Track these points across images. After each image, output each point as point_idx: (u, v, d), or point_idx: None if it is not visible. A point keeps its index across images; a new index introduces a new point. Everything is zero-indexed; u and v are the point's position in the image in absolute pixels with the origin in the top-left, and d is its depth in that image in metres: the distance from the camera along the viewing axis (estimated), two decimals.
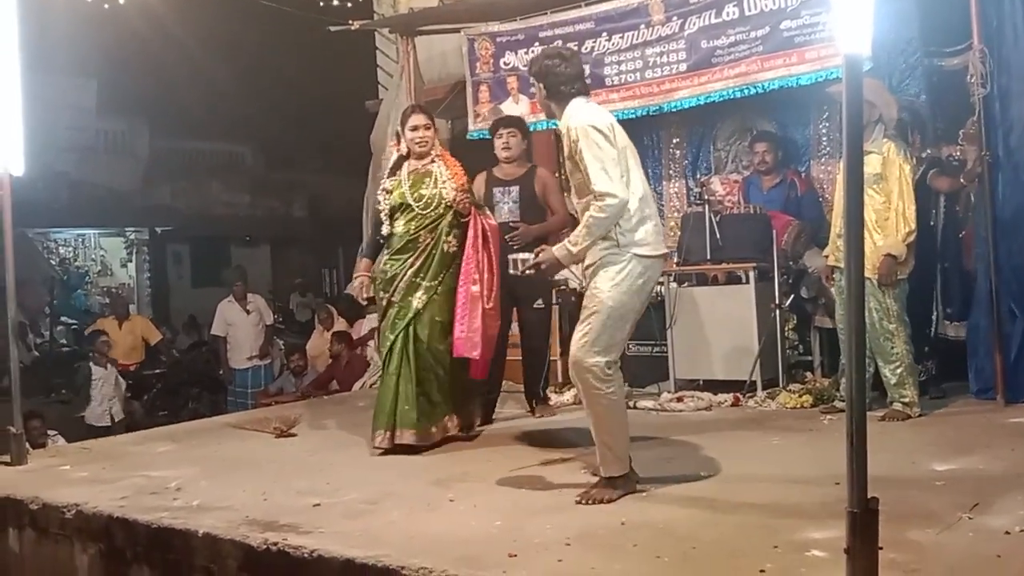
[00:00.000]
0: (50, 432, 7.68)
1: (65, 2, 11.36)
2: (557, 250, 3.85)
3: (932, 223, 5.79)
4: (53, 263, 19.97)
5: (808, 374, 6.16)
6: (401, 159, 5.19)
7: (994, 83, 5.27)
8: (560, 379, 6.45)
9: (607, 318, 3.70)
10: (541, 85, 4.01)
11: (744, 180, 6.99)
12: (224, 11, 14.59)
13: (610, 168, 3.69)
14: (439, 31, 8.02)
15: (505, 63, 7.37)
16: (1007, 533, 3.08)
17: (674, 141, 7.71)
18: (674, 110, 6.77)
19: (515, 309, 5.77)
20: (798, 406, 5.62)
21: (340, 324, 9.70)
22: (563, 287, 6.39)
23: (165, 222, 20.48)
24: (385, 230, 5.09)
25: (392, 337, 4.96)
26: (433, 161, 5.11)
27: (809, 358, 6.27)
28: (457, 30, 7.67)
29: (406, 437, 4.85)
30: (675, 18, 6.52)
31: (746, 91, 6.30)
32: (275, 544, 3.33)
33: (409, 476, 4.36)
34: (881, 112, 5.09)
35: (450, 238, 5.01)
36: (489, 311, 4.91)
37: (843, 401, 4.56)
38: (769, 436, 4.94)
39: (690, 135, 7.63)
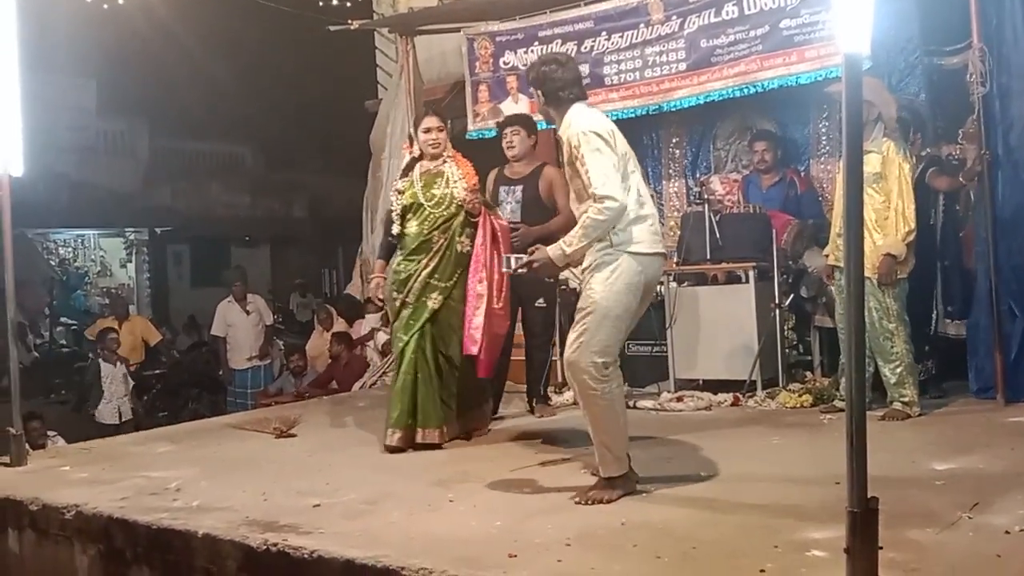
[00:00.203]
0: (50, 433, 7.66)
1: (65, 2, 11.36)
2: (551, 250, 3.84)
3: (932, 222, 5.79)
4: (53, 264, 19.98)
5: (808, 374, 6.16)
6: (414, 161, 5.28)
7: (994, 82, 5.27)
8: (560, 379, 6.43)
9: (602, 318, 3.69)
10: (539, 92, 4.02)
11: (744, 179, 6.99)
12: (224, 11, 14.58)
13: (611, 173, 3.69)
14: (438, 31, 8.02)
15: (504, 62, 7.37)
16: (1007, 532, 3.08)
17: (674, 140, 7.71)
18: (674, 109, 6.78)
19: (518, 308, 5.77)
20: (798, 406, 5.62)
21: (340, 324, 9.69)
22: (564, 287, 6.38)
23: (165, 222, 20.47)
24: (396, 230, 5.15)
25: (406, 338, 5.01)
26: (445, 162, 5.19)
27: (809, 358, 6.27)
28: (456, 30, 7.67)
29: (426, 437, 4.93)
30: (674, 17, 6.53)
31: (746, 90, 6.31)
32: (275, 545, 3.32)
33: (409, 476, 4.36)
34: (880, 111, 5.09)
35: (463, 238, 5.07)
36: (498, 311, 4.95)
37: (843, 400, 4.55)
38: (769, 436, 4.94)
39: (690, 134, 7.64)
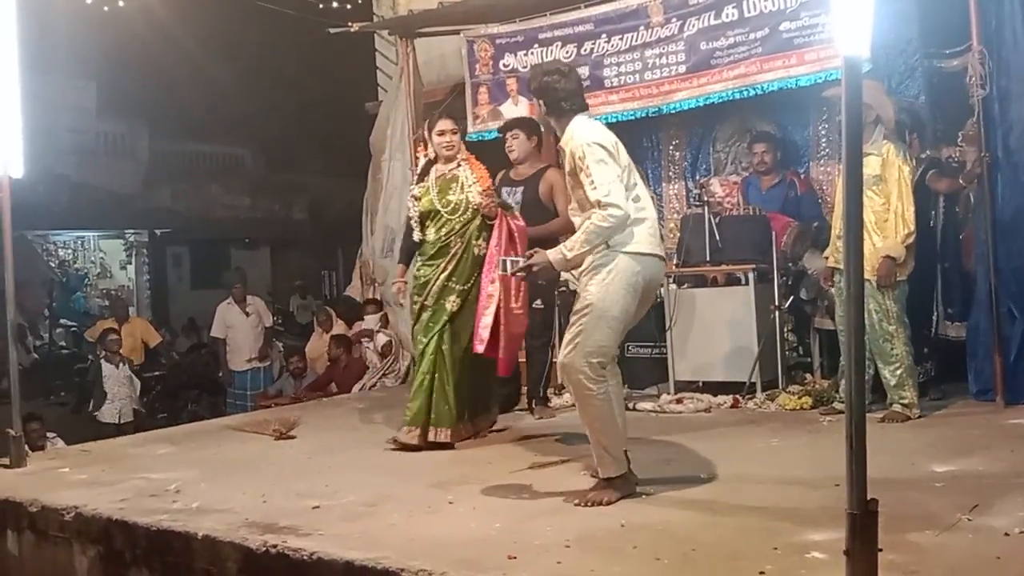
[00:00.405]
0: (49, 434, 7.67)
1: (65, 4, 11.37)
2: (552, 254, 3.83)
3: (932, 224, 5.79)
4: (52, 265, 19.98)
5: (807, 375, 6.15)
6: (429, 164, 5.34)
7: (993, 84, 5.27)
8: (559, 380, 6.44)
9: (598, 319, 3.69)
10: (541, 102, 4.03)
11: (743, 181, 6.99)
12: (224, 13, 14.60)
13: (615, 183, 3.70)
14: (438, 33, 8.02)
15: (504, 65, 7.37)
16: (1006, 535, 3.08)
17: (673, 143, 7.71)
18: (673, 112, 6.77)
19: None
20: (797, 408, 5.61)
21: (339, 326, 9.69)
22: (563, 288, 6.38)
23: (165, 224, 20.48)
24: (417, 237, 5.27)
25: (425, 340, 5.13)
26: (459, 165, 5.26)
27: (808, 359, 6.27)
28: (456, 32, 7.67)
29: (439, 436, 5.02)
30: (674, 19, 6.52)
31: (745, 92, 6.30)
32: (275, 546, 3.32)
33: (408, 478, 4.36)
34: (878, 113, 5.08)
35: (480, 241, 5.15)
36: (515, 310, 4.98)
37: (842, 403, 4.55)
38: (769, 438, 4.94)
39: (689, 136, 7.64)
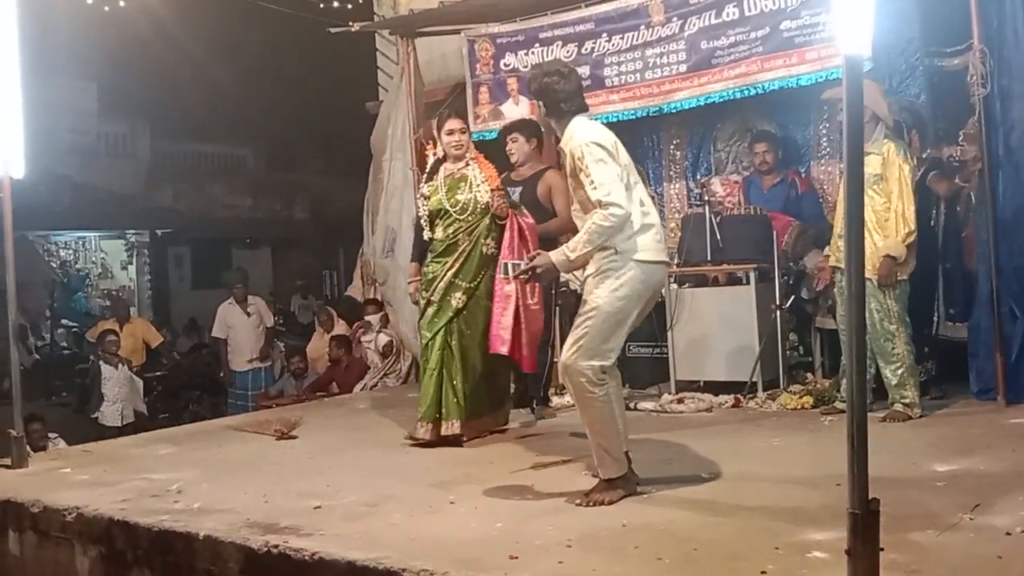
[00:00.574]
0: (51, 435, 7.68)
1: (66, 5, 11.39)
2: (555, 255, 3.83)
3: (933, 223, 5.79)
4: (54, 266, 19.97)
5: (809, 375, 6.16)
6: (438, 162, 5.36)
7: (994, 83, 5.27)
8: (560, 380, 6.44)
9: (602, 322, 3.70)
10: (541, 103, 4.03)
11: (744, 180, 6.99)
12: (225, 13, 14.60)
13: (615, 182, 3.71)
14: (439, 33, 8.02)
15: (505, 64, 7.37)
16: (1008, 534, 3.08)
17: (674, 142, 7.71)
18: (674, 111, 6.78)
19: None
20: (799, 407, 5.61)
21: (340, 326, 9.69)
22: (564, 288, 6.38)
23: (166, 224, 20.47)
24: (427, 235, 5.30)
25: (430, 335, 5.19)
26: (468, 164, 5.28)
27: (809, 359, 6.27)
28: (457, 31, 7.67)
29: (452, 428, 5.08)
30: (675, 19, 6.52)
31: (746, 92, 6.30)
32: (276, 547, 3.33)
33: (409, 478, 4.36)
34: (874, 111, 5.06)
35: (488, 240, 5.18)
36: (532, 306, 5.01)
37: (844, 402, 4.56)
38: (770, 437, 4.94)
39: (690, 136, 7.64)
